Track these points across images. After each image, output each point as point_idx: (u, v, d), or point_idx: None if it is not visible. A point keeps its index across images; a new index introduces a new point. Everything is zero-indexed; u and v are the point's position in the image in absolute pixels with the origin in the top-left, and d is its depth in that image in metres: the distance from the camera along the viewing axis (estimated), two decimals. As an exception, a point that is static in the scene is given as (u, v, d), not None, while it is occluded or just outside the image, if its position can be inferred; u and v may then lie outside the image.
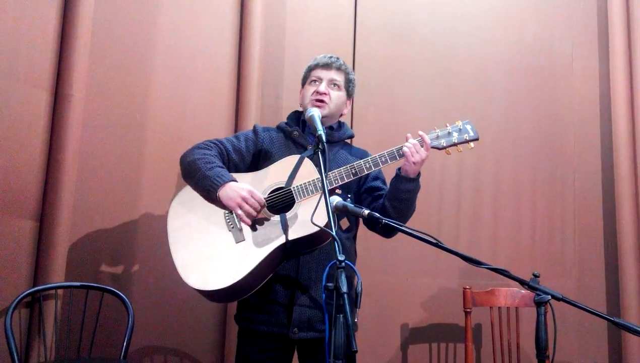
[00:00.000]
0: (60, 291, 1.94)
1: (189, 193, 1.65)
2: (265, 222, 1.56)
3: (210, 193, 1.56)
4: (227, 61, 2.36)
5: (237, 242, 1.55)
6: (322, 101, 1.69)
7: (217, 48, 2.35)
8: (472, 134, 1.65)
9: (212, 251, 1.55)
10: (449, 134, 1.65)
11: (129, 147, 2.16)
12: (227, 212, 1.59)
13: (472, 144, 1.65)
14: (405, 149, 1.58)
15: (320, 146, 1.43)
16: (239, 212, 1.53)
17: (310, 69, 1.77)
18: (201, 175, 1.57)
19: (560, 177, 2.60)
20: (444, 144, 1.64)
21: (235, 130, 2.32)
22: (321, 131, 1.47)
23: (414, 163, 1.57)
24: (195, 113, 2.29)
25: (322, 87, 1.71)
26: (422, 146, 1.59)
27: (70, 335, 1.90)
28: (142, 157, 2.17)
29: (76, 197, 2.00)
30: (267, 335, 1.59)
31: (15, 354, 1.75)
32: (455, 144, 1.64)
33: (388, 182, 1.76)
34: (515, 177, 2.58)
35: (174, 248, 1.58)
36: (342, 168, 1.59)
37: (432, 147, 1.63)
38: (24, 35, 1.95)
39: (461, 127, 1.65)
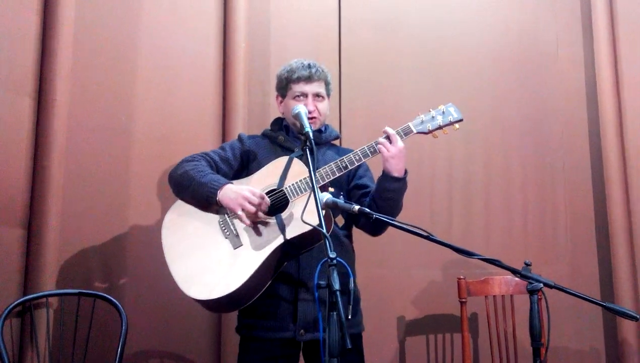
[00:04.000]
0: (51, 299, 1.91)
1: (179, 208, 1.63)
2: (262, 225, 1.55)
3: (209, 199, 1.54)
4: (213, 60, 2.33)
5: (235, 248, 1.54)
6: (313, 118, 1.69)
7: (201, 47, 2.33)
8: (455, 115, 1.65)
9: (210, 260, 1.53)
10: (433, 118, 1.64)
11: (115, 150, 2.13)
12: (221, 220, 1.58)
13: (457, 125, 1.65)
14: (379, 146, 1.58)
15: (308, 144, 1.42)
16: (240, 212, 1.51)
17: (290, 81, 1.72)
18: (196, 183, 1.56)
19: (549, 164, 2.61)
20: (430, 128, 1.63)
21: (223, 130, 2.31)
22: (308, 128, 1.46)
23: (390, 157, 1.56)
24: (181, 114, 2.26)
25: (311, 106, 1.69)
26: (390, 143, 1.57)
27: (64, 343, 1.88)
28: (129, 159, 2.15)
29: (64, 203, 1.98)
30: (271, 341, 1.57)
31: (8, 365, 1.73)
32: (440, 127, 1.64)
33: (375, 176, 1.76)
34: (505, 166, 2.58)
35: (172, 265, 1.55)
36: (332, 163, 1.59)
37: (418, 132, 1.63)
38: (4, 40, 1.92)
39: (444, 110, 1.65)
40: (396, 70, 2.57)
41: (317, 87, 1.71)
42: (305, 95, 1.70)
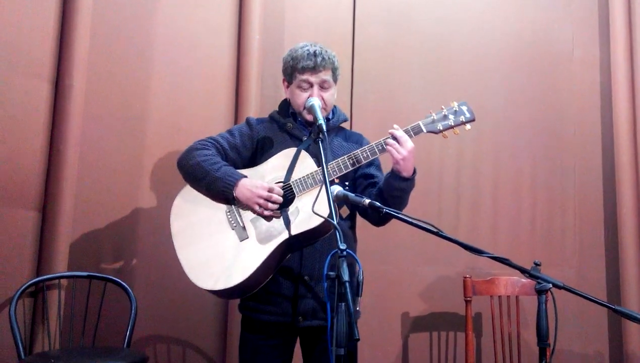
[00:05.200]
0: (63, 281, 1.95)
1: (188, 194, 1.65)
2: (269, 219, 1.57)
3: (225, 194, 1.56)
4: (227, 52, 2.35)
5: (241, 240, 1.56)
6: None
7: (216, 39, 2.34)
8: (468, 115, 1.61)
9: (217, 251, 1.56)
10: (445, 117, 1.61)
11: (129, 137, 2.16)
12: (228, 210, 1.60)
13: (468, 126, 1.62)
14: (388, 147, 1.55)
15: (320, 136, 1.44)
16: (258, 209, 1.55)
17: (295, 70, 1.66)
18: (211, 177, 1.57)
19: (560, 165, 2.59)
20: (440, 128, 1.61)
21: (235, 122, 2.32)
22: (322, 121, 1.47)
23: (401, 159, 1.54)
24: (194, 104, 2.28)
25: (315, 96, 1.64)
26: (400, 144, 1.54)
27: (74, 325, 1.92)
28: (142, 147, 2.18)
29: (78, 187, 2.01)
30: (271, 323, 1.61)
31: (20, 343, 1.77)
32: (452, 127, 1.61)
33: (383, 167, 1.75)
34: (515, 166, 2.57)
35: (180, 251, 1.59)
36: (339, 159, 1.58)
37: (429, 132, 1.61)
38: (24, 26, 1.95)
39: (457, 109, 1.62)
40: (408, 67, 2.56)
41: (322, 76, 1.66)
42: (310, 84, 1.66)
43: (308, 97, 1.65)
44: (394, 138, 1.56)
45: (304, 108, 1.65)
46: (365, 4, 2.57)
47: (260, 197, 1.54)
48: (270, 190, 1.55)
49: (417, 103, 2.50)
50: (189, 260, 1.57)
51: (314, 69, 1.65)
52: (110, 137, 2.12)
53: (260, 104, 2.35)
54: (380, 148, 1.57)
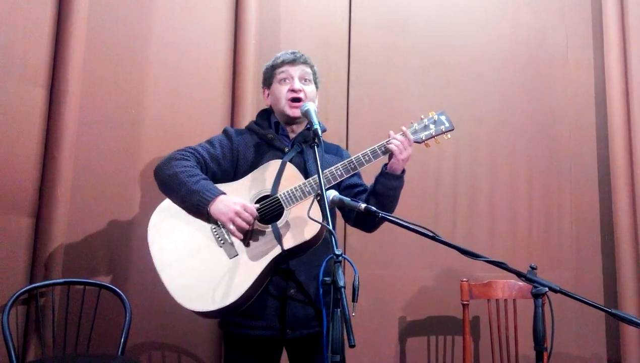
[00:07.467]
0: (57, 288, 1.93)
1: (168, 209, 1.56)
2: (257, 234, 1.51)
3: (199, 208, 1.50)
4: (223, 56, 2.34)
5: (230, 258, 1.50)
6: (299, 100, 1.63)
7: (212, 43, 2.34)
8: (447, 124, 1.66)
9: (205, 270, 1.48)
10: (426, 127, 1.65)
11: (124, 143, 2.15)
12: (213, 227, 1.52)
13: (448, 135, 1.66)
14: (392, 146, 1.58)
15: (316, 141, 1.42)
16: (232, 227, 1.47)
17: (275, 68, 1.68)
18: (187, 189, 1.50)
19: (556, 168, 2.60)
20: (423, 138, 1.64)
21: (232, 126, 2.31)
22: (317, 125, 1.46)
23: (402, 160, 1.58)
24: (190, 108, 2.28)
25: (297, 85, 1.64)
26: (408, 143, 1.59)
27: (68, 332, 1.90)
28: (137, 152, 2.16)
29: (72, 193, 2.00)
30: (258, 338, 1.56)
31: (12, 351, 1.75)
32: (433, 136, 1.65)
33: (362, 175, 1.75)
34: (512, 169, 2.58)
35: (163, 272, 1.49)
36: (339, 164, 1.57)
37: (414, 142, 1.63)
38: (19, 31, 1.94)
39: (436, 119, 1.66)
40: (404, 71, 2.57)
41: (302, 69, 1.66)
42: (290, 76, 1.65)
43: (289, 90, 1.64)
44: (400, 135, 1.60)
45: (286, 100, 1.63)
46: (361, 9, 2.57)
47: (237, 213, 1.46)
48: (245, 208, 1.48)
49: (414, 107, 2.50)
50: (175, 281, 1.47)
51: (293, 61, 1.67)
52: (105, 143, 2.11)
53: (256, 108, 2.33)
54: (384, 149, 1.59)
